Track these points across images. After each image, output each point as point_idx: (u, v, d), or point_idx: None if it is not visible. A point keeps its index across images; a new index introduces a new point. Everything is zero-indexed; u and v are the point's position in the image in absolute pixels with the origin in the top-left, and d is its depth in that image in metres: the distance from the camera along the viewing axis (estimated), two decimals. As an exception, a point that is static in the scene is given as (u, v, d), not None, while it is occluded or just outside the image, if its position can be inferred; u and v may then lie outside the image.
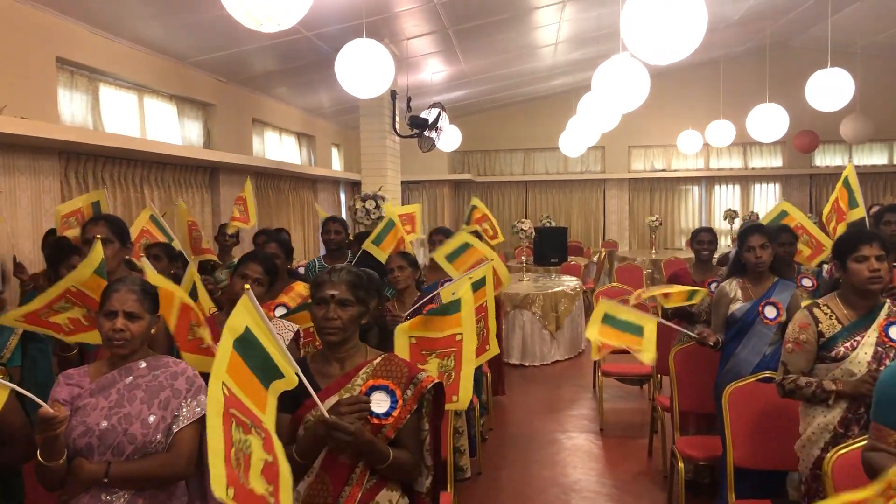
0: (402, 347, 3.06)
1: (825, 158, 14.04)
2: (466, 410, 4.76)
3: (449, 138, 10.91)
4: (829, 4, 8.37)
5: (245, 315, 1.87)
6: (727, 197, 14.43)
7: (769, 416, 3.43)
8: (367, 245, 5.17)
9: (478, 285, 3.58)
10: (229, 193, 7.99)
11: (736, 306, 3.74)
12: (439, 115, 8.26)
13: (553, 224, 13.16)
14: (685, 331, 4.10)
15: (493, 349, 3.77)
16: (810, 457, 2.85)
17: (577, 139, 10.74)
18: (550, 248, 11.00)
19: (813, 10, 9.89)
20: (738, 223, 12.69)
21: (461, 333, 3.09)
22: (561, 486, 4.82)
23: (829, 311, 2.87)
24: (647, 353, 3.68)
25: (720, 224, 13.53)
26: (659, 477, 4.87)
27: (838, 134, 12.10)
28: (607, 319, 3.81)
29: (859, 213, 4.67)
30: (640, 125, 13.95)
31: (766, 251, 3.71)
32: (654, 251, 12.52)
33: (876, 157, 13.98)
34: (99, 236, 2.96)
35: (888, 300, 2.83)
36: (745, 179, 14.31)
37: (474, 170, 14.88)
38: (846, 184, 4.77)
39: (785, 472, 3.65)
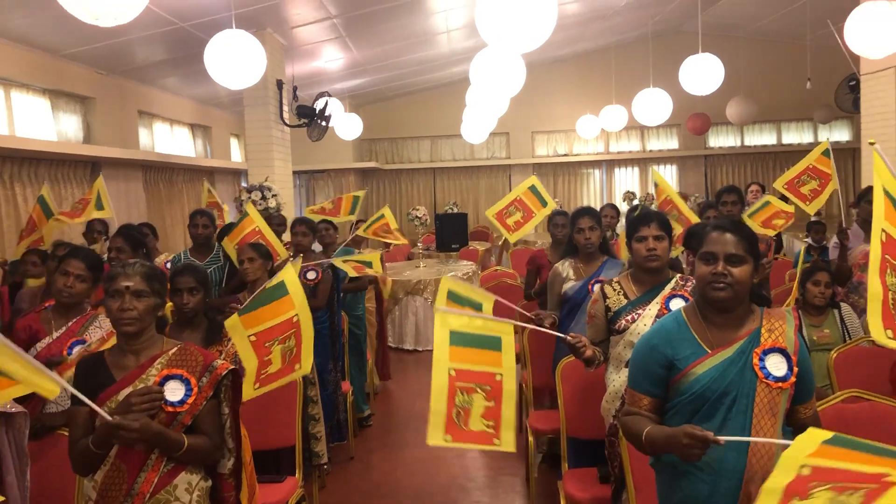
0: (244, 348, 3.11)
1: (718, 140, 14.61)
2: (334, 396, 4.87)
3: (349, 126, 10.93)
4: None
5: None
6: (627, 179, 14.88)
7: (596, 388, 3.61)
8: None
9: (277, 293, 3.23)
10: (114, 188, 7.82)
11: (568, 285, 3.91)
12: (326, 103, 8.27)
13: (457, 210, 13.31)
14: (521, 310, 3.83)
15: (305, 368, 3.27)
16: (607, 423, 3.05)
17: (474, 127, 10.91)
18: (451, 234, 11.14)
19: (693, -3, 10.24)
20: (636, 203, 13.09)
21: (297, 314, 3.23)
22: (431, 465, 4.97)
23: (618, 287, 3.07)
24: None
25: (620, 205, 13.93)
26: (525, 451, 5.06)
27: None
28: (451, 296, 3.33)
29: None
30: (542, 111, 14.28)
31: (594, 233, 3.90)
32: (556, 234, 12.80)
33: (766, 138, 14.62)
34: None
35: (676, 276, 3.04)
36: (643, 162, 14.76)
37: (381, 158, 14.93)
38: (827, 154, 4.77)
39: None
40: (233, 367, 2.44)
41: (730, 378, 2.07)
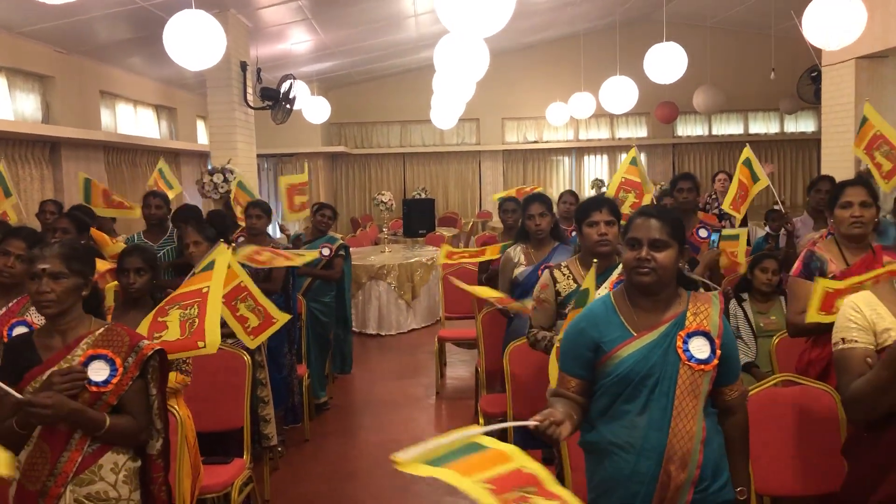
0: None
1: (686, 128, 14.74)
2: (289, 379, 4.87)
3: (317, 110, 10.85)
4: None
5: None
6: (595, 166, 14.96)
7: (544, 371, 3.65)
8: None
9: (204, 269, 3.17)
10: (73, 169, 7.74)
11: (519, 270, 3.95)
12: (291, 86, 8.22)
13: (425, 196, 13.32)
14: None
15: (210, 346, 2.90)
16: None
17: (443, 113, 10.88)
18: (419, 219, 11.15)
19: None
20: (604, 191, 13.17)
21: (208, 286, 3.05)
22: (383, 448, 4.98)
23: (567, 272, 3.10)
24: None
25: (587, 192, 14.02)
26: (479, 435, 5.10)
27: (698, 105, 12.70)
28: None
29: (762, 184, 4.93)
30: (512, 98, 14.30)
31: (544, 219, 3.94)
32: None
33: (733, 127, 14.78)
34: None
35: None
36: (612, 150, 14.84)
37: (351, 142, 14.86)
38: (747, 163, 5.00)
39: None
40: (159, 347, 2.44)
41: (653, 360, 2.11)
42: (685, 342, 2.11)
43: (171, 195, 6.02)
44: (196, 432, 3.42)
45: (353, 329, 8.25)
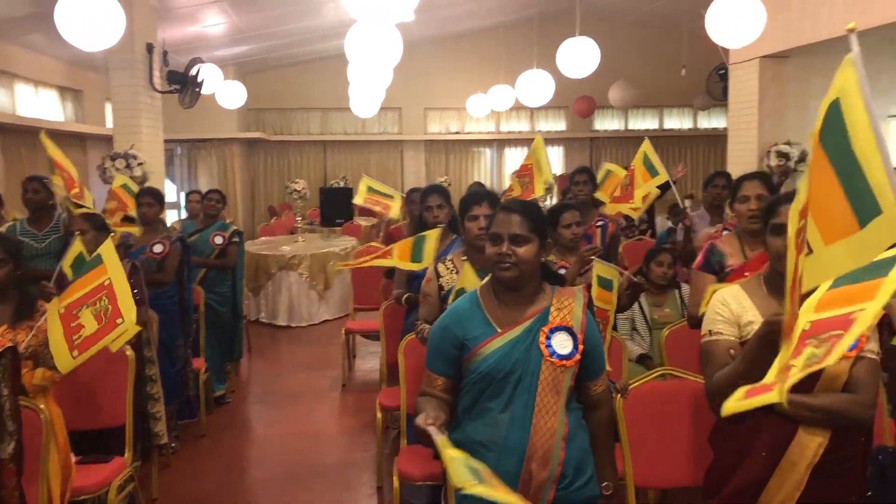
0: (52, 321, 2.96)
1: (603, 123, 14.97)
2: (184, 372, 4.72)
3: (231, 95, 10.56)
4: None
5: None
6: (517, 159, 15.04)
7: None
8: None
9: (92, 264, 3.07)
10: (-37, 151, 7.34)
11: (417, 263, 3.92)
12: (199, 69, 7.98)
13: (345, 185, 13.15)
14: None
15: (129, 319, 2.93)
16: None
17: (362, 101, 10.73)
18: (336, 208, 10.98)
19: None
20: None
21: (108, 278, 3.03)
22: (279, 441, 4.91)
23: (451, 265, 3.08)
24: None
25: (507, 184, 14.10)
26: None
27: (615, 100, 12.88)
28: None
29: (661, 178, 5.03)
30: (435, 88, 14.26)
31: (442, 211, 3.92)
32: (443, 211, 12.82)
33: (648, 122, 15.08)
34: None
35: None
36: (532, 142, 14.92)
37: (269, 128, 14.54)
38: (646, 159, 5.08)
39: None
40: (10, 344, 2.30)
41: (516, 357, 2.10)
42: (548, 337, 2.10)
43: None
44: (76, 431, 3.28)
45: (262, 320, 8.12)
